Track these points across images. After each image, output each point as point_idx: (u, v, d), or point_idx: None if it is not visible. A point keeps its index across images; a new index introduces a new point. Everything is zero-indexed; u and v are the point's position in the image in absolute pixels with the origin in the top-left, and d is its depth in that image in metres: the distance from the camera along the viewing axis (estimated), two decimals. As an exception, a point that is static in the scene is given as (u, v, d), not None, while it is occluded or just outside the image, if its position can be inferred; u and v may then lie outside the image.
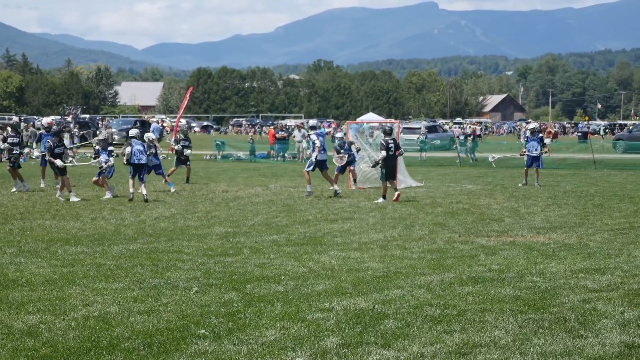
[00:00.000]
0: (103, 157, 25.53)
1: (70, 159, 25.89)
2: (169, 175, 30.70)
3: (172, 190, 26.87)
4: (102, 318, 9.72)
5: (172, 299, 10.79)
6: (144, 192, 23.91)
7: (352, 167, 28.90)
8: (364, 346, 8.62)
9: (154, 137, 28.44)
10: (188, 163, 31.30)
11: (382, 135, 25.36)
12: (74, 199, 23.79)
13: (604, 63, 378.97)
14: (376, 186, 28.72)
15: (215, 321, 9.60)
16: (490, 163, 36.71)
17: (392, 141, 24.18)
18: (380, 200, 23.88)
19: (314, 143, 25.78)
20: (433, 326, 9.42)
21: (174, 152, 31.88)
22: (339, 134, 29.85)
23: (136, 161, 24.18)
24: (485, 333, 9.11)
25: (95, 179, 25.53)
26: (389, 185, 24.24)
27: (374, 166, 25.57)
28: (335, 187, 25.65)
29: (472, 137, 57.63)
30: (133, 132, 25.55)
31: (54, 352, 8.40)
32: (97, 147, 26.43)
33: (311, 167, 25.82)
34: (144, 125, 64.24)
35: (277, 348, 8.55)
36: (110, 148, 26.02)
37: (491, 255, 14.46)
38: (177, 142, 31.56)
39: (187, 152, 31.42)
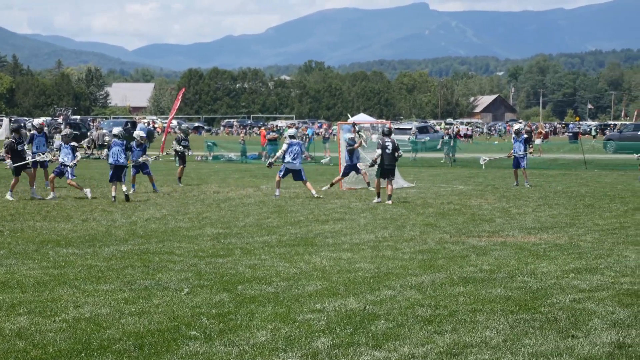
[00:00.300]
0: (64, 151, 25.24)
1: (30, 155, 25.76)
2: (179, 177, 30.80)
3: (157, 191, 26.91)
4: (93, 320, 9.71)
5: (163, 300, 10.78)
6: (124, 188, 23.95)
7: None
8: (355, 347, 8.62)
9: (143, 135, 28.45)
10: (184, 164, 31.36)
11: (380, 135, 25.31)
12: (9, 197, 23.92)
13: (594, 64, 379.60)
14: (366, 187, 28.75)
15: (207, 322, 9.59)
16: (481, 165, 36.63)
17: (389, 141, 24.16)
18: (375, 199, 23.84)
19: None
20: (424, 327, 9.42)
21: (174, 152, 31.81)
22: (348, 135, 29.64)
23: (113, 162, 24.16)
24: (476, 333, 9.12)
25: (68, 181, 25.11)
26: (382, 186, 24.23)
27: (371, 165, 25.59)
28: (313, 192, 25.59)
29: (453, 138, 57.65)
30: (116, 130, 25.52)
31: (44, 354, 8.38)
32: (59, 142, 26.27)
33: (281, 173, 25.87)
34: (135, 127, 64.20)
35: (268, 349, 8.55)
36: (73, 143, 25.52)
37: (482, 256, 14.47)
38: (178, 142, 31.53)
39: (190, 152, 31.71)
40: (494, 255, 14.50)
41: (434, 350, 8.50)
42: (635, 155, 33.84)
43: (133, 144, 27.30)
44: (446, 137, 54.78)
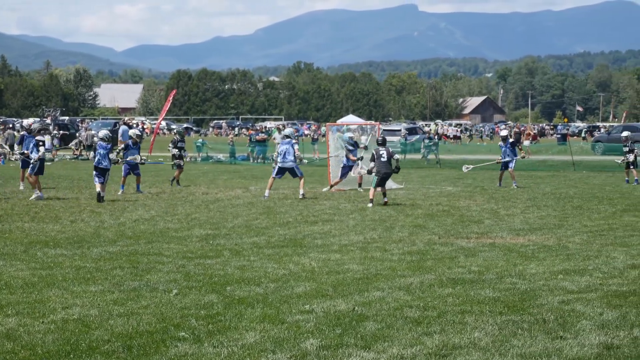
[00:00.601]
0: (29, 146, 25.09)
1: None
2: (177, 180, 30.58)
3: (142, 192, 26.86)
4: (82, 321, 9.69)
5: (151, 301, 10.77)
6: (102, 193, 23.96)
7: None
8: (344, 348, 8.63)
9: (139, 134, 28.55)
10: (181, 166, 30.92)
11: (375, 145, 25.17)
12: None
13: (582, 65, 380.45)
14: (355, 188, 28.77)
15: (195, 324, 9.59)
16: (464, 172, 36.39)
17: (384, 150, 24.09)
18: (369, 205, 23.66)
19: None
20: (413, 328, 9.44)
21: (172, 156, 31.35)
22: (348, 134, 29.69)
23: (96, 164, 24.22)
24: (464, 334, 9.14)
25: (27, 174, 24.84)
26: (378, 189, 24.20)
27: (369, 172, 25.54)
28: (301, 192, 25.65)
29: (436, 139, 57.80)
30: (102, 133, 25.55)
31: (32, 355, 8.36)
32: (49, 143, 26.16)
33: (274, 173, 26.00)
34: (130, 128, 64.03)
35: (257, 350, 8.55)
36: (39, 137, 24.88)
37: (471, 257, 14.50)
38: (174, 144, 31.04)
39: (186, 153, 31.63)
40: (483, 257, 14.53)
41: (423, 351, 8.51)
42: (618, 161, 34.13)
43: (129, 142, 27.50)
44: (427, 141, 54.98)
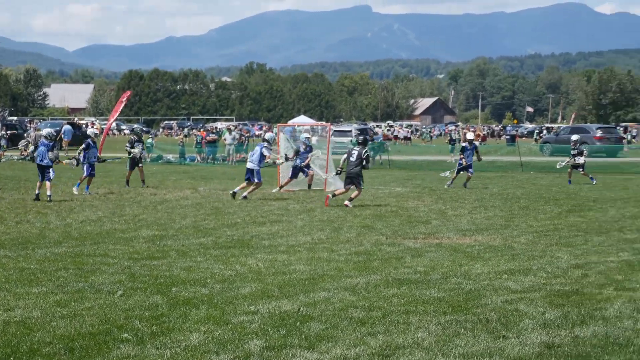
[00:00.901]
0: None
1: None
2: (127, 181, 30.23)
3: (89, 193, 26.58)
4: (23, 323, 9.59)
5: (95, 302, 10.68)
6: (49, 192, 23.90)
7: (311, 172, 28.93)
8: (287, 349, 8.63)
9: (97, 133, 28.46)
10: (140, 164, 30.49)
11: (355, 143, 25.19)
12: None
13: (533, 67, 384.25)
14: (304, 189, 28.80)
15: (139, 325, 9.53)
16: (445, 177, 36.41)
17: (356, 150, 23.90)
18: (347, 202, 23.53)
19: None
20: (357, 328, 9.46)
21: (128, 154, 30.88)
22: (305, 135, 29.91)
23: (38, 161, 24.23)
24: (408, 335, 9.18)
25: None
26: (346, 189, 24.19)
27: (337, 173, 25.45)
28: (245, 193, 25.54)
29: (374, 140, 58.08)
30: (45, 131, 25.47)
31: (-28, 357, 8.27)
32: None
33: (247, 175, 25.93)
34: (74, 128, 63.62)
35: (200, 351, 8.52)
36: None
37: (417, 257, 14.58)
38: (131, 144, 30.57)
39: (144, 152, 31.34)
40: (429, 257, 14.62)
41: (366, 351, 8.54)
42: (562, 163, 34.73)
43: (90, 141, 27.39)
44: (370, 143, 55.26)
